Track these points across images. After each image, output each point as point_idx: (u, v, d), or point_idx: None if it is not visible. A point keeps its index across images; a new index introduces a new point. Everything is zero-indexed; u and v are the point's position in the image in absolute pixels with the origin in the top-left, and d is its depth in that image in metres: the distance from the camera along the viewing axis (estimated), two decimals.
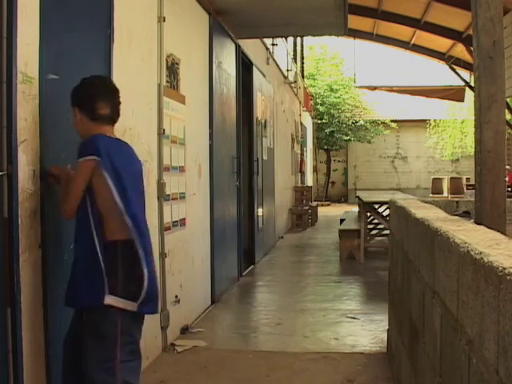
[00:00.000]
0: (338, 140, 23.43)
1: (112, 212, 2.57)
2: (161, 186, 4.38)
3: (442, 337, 1.99)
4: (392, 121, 23.66)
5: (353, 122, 23.47)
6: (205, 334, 4.92)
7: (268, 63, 10.26)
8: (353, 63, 17.54)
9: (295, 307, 5.98)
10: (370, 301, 6.29)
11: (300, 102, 16.58)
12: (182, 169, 4.99)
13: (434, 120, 23.37)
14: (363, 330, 5.06)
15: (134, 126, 3.86)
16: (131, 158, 2.84)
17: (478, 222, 2.70)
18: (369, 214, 9.09)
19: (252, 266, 8.26)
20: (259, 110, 8.95)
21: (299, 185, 16.00)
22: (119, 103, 2.80)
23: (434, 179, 17.27)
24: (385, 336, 4.43)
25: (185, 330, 4.89)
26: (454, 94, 14.83)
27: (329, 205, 22.32)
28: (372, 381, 3.83)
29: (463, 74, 14.15)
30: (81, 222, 2.59)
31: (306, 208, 14.18)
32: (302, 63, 18.92)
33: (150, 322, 4.17)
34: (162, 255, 4.41)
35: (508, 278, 1.23)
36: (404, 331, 3.16)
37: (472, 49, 2.97)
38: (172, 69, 4.75)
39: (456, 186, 15.13)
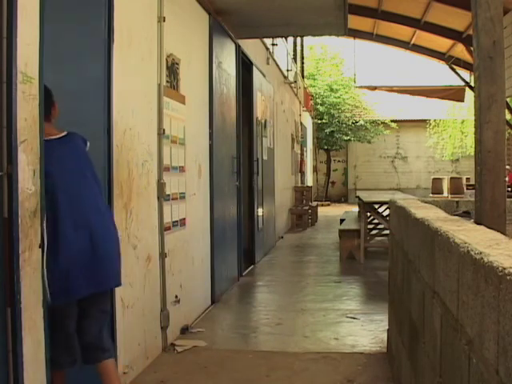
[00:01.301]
0: (338, 140, 23.44)
1: None
2: (161, 186, 4.38)
3: (442, 337, 1.99)
4: (392, 121, 23.67)
5: (353, 122, 23.48)
6: (205, 333, 4.92)
7: (268, 63, 10.26)
8: (353, 63, 17.57)
9: (295, 307, 5.98)
10: (370, 301, 6.29)
11: (300, 102, 16.58)
12: (182, 169, 4.99)
13: (434, 120, 23.38)
14: (363, 330, 5.06)
15: (134, 125, 3.86)
16: (58, 154, 2.79)
17: (478, 222, 2.70)
18: (369, 214, 9.09)
19: (252, 266, 8.26)
20: (259, 110, 8.95)
21: (299, 185, 16.00)
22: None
23: (433, 179, 17.27)
24: (385, 336, 4.43)
25: (185, 330, 4.89)
26: (454, 94, 14.84)
27: (329, 205, 22.32)
28: (372, 381, 3.83)
29: (463, 74, 14.16)
30: None
31: (306, 208, 14.18)
32: (302, 63, 18.91)
33: (150, 322, 4.17)
34: (162, 255, 4.41)
35: (508, 277, 1.23)
36: (404, 331, 3.16)
37: (472, 49, 2.97)
38: (172, 69, 4.75)
39: (456, 186, 15.14)
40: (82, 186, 2.82)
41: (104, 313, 2.97)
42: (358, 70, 18.28)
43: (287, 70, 13.18)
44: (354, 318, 5.43)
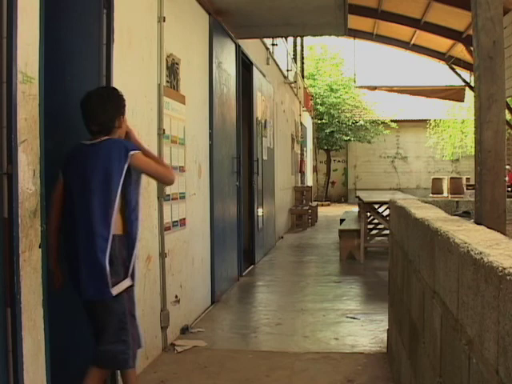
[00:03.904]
0: (337, 140, 23.41)
1: None
2: (161, 186, 4.37)
3: (441, 337, 1.99)
4: (392, 121, 23.65)
5: (353, 122, 23.45)
6: (205, 333, 4.92)
7: (268, 63, 10.26)
8: (353, 63, 17.53)
9: (295, 307, 5.98)
10: (370, 301, 6.28)
11: (300, 102, 16.57)
12: (182, 169, 4.99)
13: (434, 120, 23.37)
14: (363, 330, 5.05)
15: (134, 126, 3.84)
16: (82, 161, 2.92)
17: (478, 222, 2.70)
18: (369, 214, 9.09)
19: (252, 266, 8.26)
20: (259, 109, 8.95)
21: (299, 185, 15.99)
22: (86, 115, 2.96)
23: (433, 179, 17.29)
24: (385, 336, 4.43)
25: (185, 330, 4.89)
26: (454, 94, 14.83)
27: (329, 205, 22.32)
28: (372, 381, 3.83)
29: (463, 74, 14.16)
30: None
31: (306, 208, 14.18)
32: (302, 63, 18.91)
33: (150, 322, 4.17)
34: (162, 255, 4.40)
35: (508, 277, 1.23)
36: (404, 331, 3.16)
37: (472, 49, 2.97)
38: (172, 69, 4.75)
39: (456, 185, 15.17)
40: (78, 197, 2.89)
41: (96, 323, 2.96)
42: (358, 70, 18.26)
43: (287, 70, 13.17)
44: (354, 318, 5.43)
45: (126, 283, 2.95)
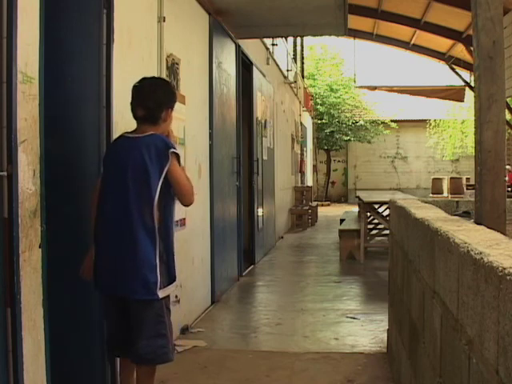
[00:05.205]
0: (337, 140, 23.41)
1: None
2: None
3: (441, 337, 1.99)
4: (392, 121, 23.64)
5: (353, 122, 23.45)
6: (205, 333, 4.92)
7: (268, 63, 10.26)
8: (353, 63, 17.52)
9: (295, 307, 5.98)
10: (370, 301, 6.29)
11: (300, 102, 16.57)
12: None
13: (434, 120, 23.36)
14: (363, 330, 5.06)
15: (134, 126, 3.85)
16: (121, 153, 2.93)
17: (478, 222, 2.70)
18: (369, 214, 9.09)
19: (252, 266, 8.26)
20: (259, 109, 8.95)
21: (299, 185, 15.99)
22: (135, 97, 2.99)
23: (433, 179, 17.30)
24: (385, 336, 4.43)
25: (185, 330, 4.89)
26: (454, 94, 14.83)
27: (329, 205, 22.32)
28: (372, 381, 3.83)
29: (463, 74, 14.16)
30: None
31: (306, 208, 14.18)
32: (302, 63, 18.90)
33: None
34: None
35: (508, 277, 1.23)
36: (404, 331, 3.16)
37: (472, 49, 2.97)
38: (172, 69, 4.75)
39: (456, 185, 15.17)
40: (115, 192, 2.87)
41: (131, 320, 2.91)
42: (358, 70, 18.26)
43: (287, 70, 13.17)
44: (354, 318, 5.43)
45: (172, 288, 2.94)
